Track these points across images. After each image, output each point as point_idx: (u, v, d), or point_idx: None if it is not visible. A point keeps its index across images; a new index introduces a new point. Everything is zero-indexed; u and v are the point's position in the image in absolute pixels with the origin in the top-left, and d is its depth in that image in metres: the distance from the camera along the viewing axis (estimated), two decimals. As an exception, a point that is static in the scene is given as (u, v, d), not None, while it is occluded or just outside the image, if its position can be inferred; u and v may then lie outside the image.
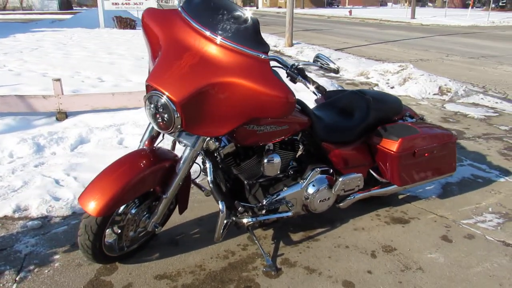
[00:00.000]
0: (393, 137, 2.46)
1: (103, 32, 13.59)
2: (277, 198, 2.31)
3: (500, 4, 38.94)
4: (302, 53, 10.83)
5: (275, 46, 12.53)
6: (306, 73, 2.02)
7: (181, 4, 1.94)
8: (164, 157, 2.08)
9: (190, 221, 2.71)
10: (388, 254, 2.40)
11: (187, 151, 1.99)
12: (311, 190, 2.39)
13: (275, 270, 2.23)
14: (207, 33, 1.78)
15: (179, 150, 2.07)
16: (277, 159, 2.18)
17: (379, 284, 2.15)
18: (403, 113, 2.77)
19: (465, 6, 38.72)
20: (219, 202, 2.06)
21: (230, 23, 1.84)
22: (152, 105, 1.81)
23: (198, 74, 1.74)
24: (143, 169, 1.95)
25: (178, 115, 1.73)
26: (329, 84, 6.47)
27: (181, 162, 2.01)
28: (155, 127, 1.92)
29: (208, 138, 1.97)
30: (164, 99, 1.74)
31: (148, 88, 1.85)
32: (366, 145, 2.58)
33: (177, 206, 2.31)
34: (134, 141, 4.14)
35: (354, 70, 7.96)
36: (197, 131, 1.85)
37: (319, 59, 2.04)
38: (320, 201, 2.43)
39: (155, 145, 2.21)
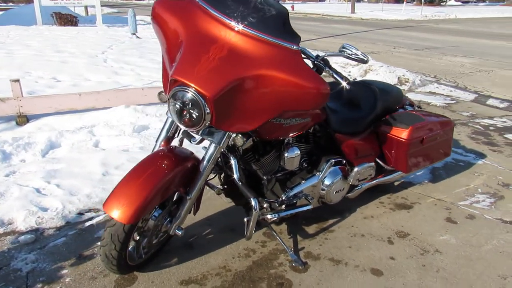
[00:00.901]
0: (402, 125, 2.52)
1: (42, 29, 12.64)
2: (295, 192, 2.27)
3: (429, -1, 41.59)
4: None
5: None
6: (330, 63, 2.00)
7: None
8: (185, 157, 1.97)
9: (198, 222, 2.60)
10: (404, 240, 2.46)
11: (212, 148, 1.89)
12: (327, 181, 2.38)
13: (302, 264, 2.20)
14: (235, 24, 1.70)
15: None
16: (297, 152, 2.15)
17: (405, 269, 2.20)
18: (404, 102, 2.85)
19: (397, 1, 40.86)
20: (252, 199, 1.98)
21: (257, 12, 1.77)
22: (178, 101, 1.70)
23: (228, 67, 1.66)
24: (168, 172, 1.83)
25: (209, 111, 1.64)
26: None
27: (205, 160, 1.91)
28: (180, 125, 1.80)
29: (235, 134, 1.88)
30: (193, 95, 1.63)
31: (172, 83, 1.73)
32: (374, 134, 2.62)
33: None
34: (111, 143, 3.91)
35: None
36: (226, 127, 1.77)
37: (345, 49, 2.02)
38: (336, 192, 2.43)
39: (172, 144, 2.09)
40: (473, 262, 2.26)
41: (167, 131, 2.05)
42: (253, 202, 1.98)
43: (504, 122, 4.88)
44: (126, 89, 5.19)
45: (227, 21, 1.72)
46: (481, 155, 3.81)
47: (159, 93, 2.05)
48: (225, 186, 2.32)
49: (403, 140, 2.50)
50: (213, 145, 1.88)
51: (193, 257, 2.26)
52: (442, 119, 2.75)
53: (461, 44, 12.25)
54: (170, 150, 1.97)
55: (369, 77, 6.98)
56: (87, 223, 2.58)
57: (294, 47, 1.75)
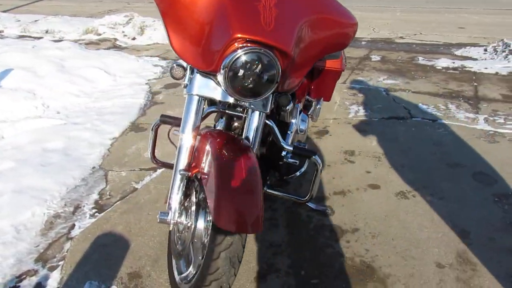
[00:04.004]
0: (333, 57, 2.62)
1: None
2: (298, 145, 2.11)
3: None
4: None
5: None
6: None
7: None
8: (241, 139, 1.48)
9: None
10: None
11: (256, 118, 1.47)
12: (302, 126, 2.30)
13: (325, 208, 2.11)
14: None
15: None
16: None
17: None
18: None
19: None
20: (314, 157, 1.71)
21: None
22: (241, 67, 1.26)
23: (289, 15, 1.34)
24: (254, 160, 1.35)
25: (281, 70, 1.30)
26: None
27: (253, 137, 1.48)
28: (240, 99, 1.34)
29: (279, 94, 1.54)
30: (268, 54, 1.25)
31: (230, 45, 1.25)
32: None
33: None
34: None
35: (75, 30, 6.93)
36: (284, 86, 1.44)
37: None
38: (306, 130, 2.38)
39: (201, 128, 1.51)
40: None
41: (197, 114, 1.44)
42: (318, 159, 1.73)
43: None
44: None
45: None
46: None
47: (172, 69, 1.41)
48: None
49: (338, 69, 2.62)
50: (255, 114, 1.46)
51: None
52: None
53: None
54: (228, 138, 1.43)
55: (149, 33, 6.59)
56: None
57: None
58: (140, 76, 4.49)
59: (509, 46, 4.87)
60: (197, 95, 1.41)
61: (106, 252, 1.81)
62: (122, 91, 3.96)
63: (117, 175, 2.47)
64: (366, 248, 1.82)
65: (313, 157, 1.67)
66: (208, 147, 1.32)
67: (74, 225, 2.01)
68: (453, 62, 4.79)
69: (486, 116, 3.21)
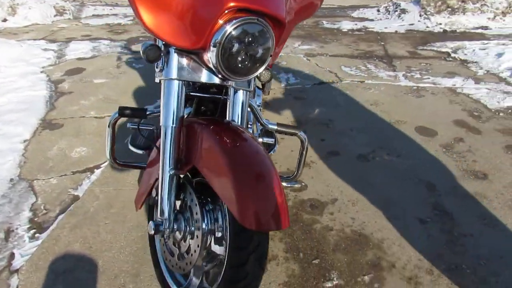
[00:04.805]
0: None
1: None
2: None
3: None
4: None
5: None
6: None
7: None
8: (241, 127, 1.30)
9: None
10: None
11: (241, 98, 1.31)
12: (259, 100, 2.19)
13: (301, 183, 2.04)
14: None
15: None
16: None
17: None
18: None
19: None
20: (300, 133, 1.59)
21: None
22: (235, 41, 1.09)
23: None
24: (262, 149, 1.19)
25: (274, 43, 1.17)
26: None
27: (240, 115, 1.32)
28: (229, 77, 1.15)
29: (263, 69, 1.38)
30: (264, 25, 1.10)
31: (222, 16, 1.07)
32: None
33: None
34: None
35: None
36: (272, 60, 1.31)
37: None
38: (261, 105, 2.27)
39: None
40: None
41: (179, 101, 1.21)
42: (304, 135, 1.61)
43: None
44: None
45: None
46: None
47: (147, 49, 1.14)
48: None
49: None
50: (239, 94, 1.29)
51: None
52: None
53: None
54: (221, 125, 1.23)
55: (25, 13, 5.66)
56: None
57: None
58: (31, 64, 3.84)
59: (399, 5, 5.27)
60: (177, 79, 1.18)
61: (72, 278, 1.50)
62: (15, 84, 3.33)
63: (45, 184, 2.07)
64: (351, 217, 1.80)
65: (299, 133, 1.57)
66: (203, 138, 1.13)
67: (13, 254, 1.63)
68: (356, 24, 5.03)
69: (403, 72, 3.43)
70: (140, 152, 1.66)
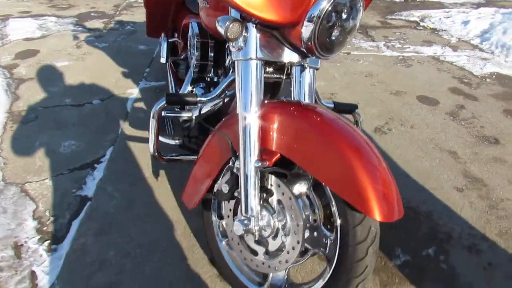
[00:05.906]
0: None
1: None
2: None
3: None
4: None
5: None
6: None
7: None
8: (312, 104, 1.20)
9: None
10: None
11: (309, 76, 1.21)
12: None
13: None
14: None
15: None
16: None
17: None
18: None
19: None
20: (356, 110, 1.58)
21: None
22: (334, 16, 0.99)
23: None
24: (360, 132, 1.10)
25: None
26: None
27: (312, 95, 1.23)
28: (319, 55, 1.04)
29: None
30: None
31: None
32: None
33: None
34: None
35: None
36: None
37: None
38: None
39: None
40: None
41: (259, 85, 1.06)
42: (359, 113, 1.61)
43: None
44: None
45: None
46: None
47: (229, 26, 0.98)
48: None
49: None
50: (307, 73, 1.19)
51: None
52: None
53: None
54: (304, 108, 1.10)
55: None
56: None
57: None
58: (-32, 48, 3.31)
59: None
60: (257, 58, 1.04)
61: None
62: (-43, 72, 2.85)
63: (40, 186, 1.79)
64: (392, 192, 1.76)
65: (355, 111, 1.52)
66: (292, 124, 1.01)
67: (33, 272, 1.39)
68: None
69: (384, 42, 3.44)
70: (172, 142, 1.49)
